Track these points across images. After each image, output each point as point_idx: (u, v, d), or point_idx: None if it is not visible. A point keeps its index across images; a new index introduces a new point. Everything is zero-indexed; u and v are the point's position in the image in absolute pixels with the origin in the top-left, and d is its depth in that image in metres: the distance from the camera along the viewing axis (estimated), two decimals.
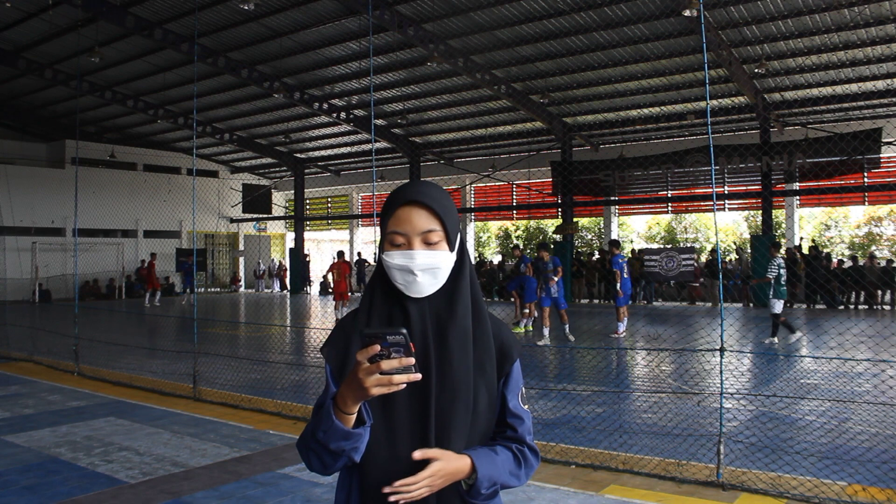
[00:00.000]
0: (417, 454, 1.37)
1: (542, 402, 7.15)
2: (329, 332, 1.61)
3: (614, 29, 15.54)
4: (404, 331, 1.27)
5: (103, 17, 16.17)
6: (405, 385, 1.31)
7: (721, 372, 5.13)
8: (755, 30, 15.29)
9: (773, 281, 11.31)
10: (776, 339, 11.42)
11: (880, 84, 17.32)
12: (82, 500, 4.55)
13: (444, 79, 19.49)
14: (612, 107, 20.69)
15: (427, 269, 1.44)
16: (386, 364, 1.27)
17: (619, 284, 12.72)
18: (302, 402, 7.26)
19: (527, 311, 13.88)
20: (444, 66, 17.90)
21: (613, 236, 25.44)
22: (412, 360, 1.28)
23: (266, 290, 31.21)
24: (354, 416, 1.36)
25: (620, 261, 12.98)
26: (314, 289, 30.50)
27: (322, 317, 18.68)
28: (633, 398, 7.60)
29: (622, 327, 12.63)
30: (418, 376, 1.30)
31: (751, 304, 19.59)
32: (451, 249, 1.49)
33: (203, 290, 29.55)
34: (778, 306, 11.39)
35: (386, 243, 1.48)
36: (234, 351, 11.59)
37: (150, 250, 24.83)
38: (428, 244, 1.46)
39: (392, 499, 1.37)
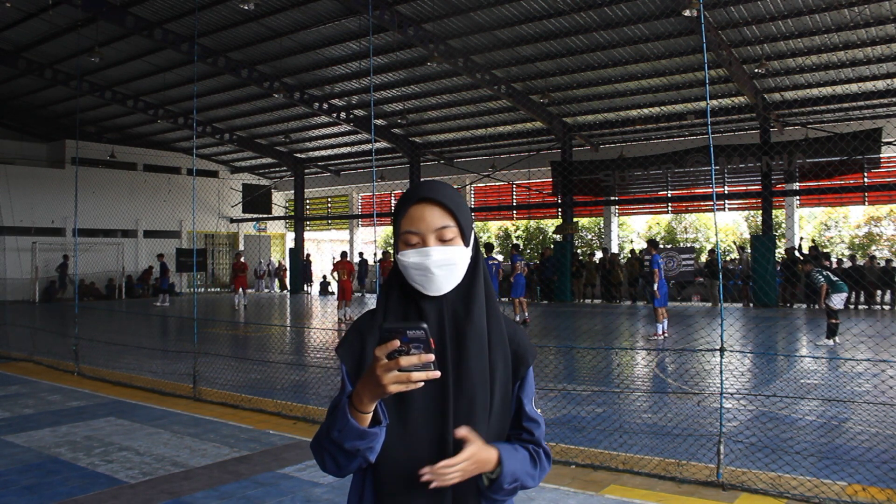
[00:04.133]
0: (462, 431, 1.36)
1: (542, 402, 7.15)
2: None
3: (614, 29, 15.54)
4: (425, 325, 1.24)
5: (103, 17, 16.17)
6: (423, 384, 1.28)
7: (721, 372, 5.13)
8: (755, 30, 15.29)
9: (827, 286, 11.18)
10: (836, 340, 11.21)
11: (880, 84, 17.31)
12: (82, 500, 4.55)
13: (444, 79, 19.49)
14: (612, 107, 20.69)
15: (444, 265, 1.43)
16: (405, 360, 1.24)
17: (656, 285, 12.62)
18: (302, 402, 7.26)
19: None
20: (444, 66, 17.90)
21: (614, 236, 25.45)
22: (432, 357, 1.25)
23: (265, 291, 31.22)
24: (370, 415, 1.34)
25: (660, 261, 12.75)
26: (315, 289, 30.50)
27: (322, 317, 18.68)
28: (633, 398, 7.60)
29: (661, 328, 12.36)
30: (437, 374, 1.27)
31: (751, 304, 19.59)
32: (466, 245, 1.48)
33: (203, 289, 29.55)
34: (837, 301, 11.19)
35: (400, 243, 1.47)
36: (234, 351, 11.59)
37: (151, 250, 24.81)
38: (442, 241, 1.44)
39: (425, 478, 1.35)
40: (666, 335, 12.30)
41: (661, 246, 24.26)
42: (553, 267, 22.27)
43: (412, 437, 1.41)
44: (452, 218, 1.46)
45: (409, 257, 1.44)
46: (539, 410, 1.58)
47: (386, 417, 1.38)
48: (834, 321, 11.22)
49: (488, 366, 1.46)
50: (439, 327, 1.44)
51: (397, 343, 1.24)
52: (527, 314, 15.07)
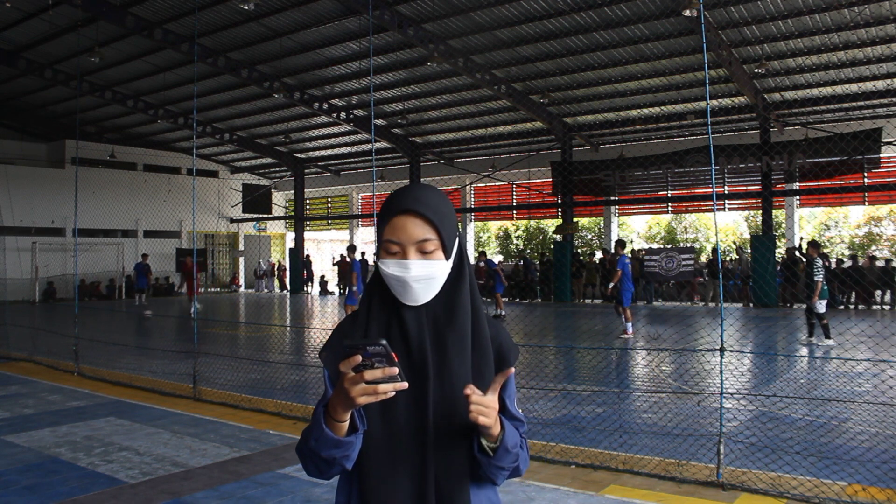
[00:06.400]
0: (468, 390, 1.36)
1: (541, 402, 7.15)
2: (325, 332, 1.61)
3: (614, 29, 15.55)
4: (384, 342, 1.27)
5: (103, 17, 16.17)
6: (395, 393, 1.30)
7: (721, 372, 5.12)
8: (755, 30, 15.29)
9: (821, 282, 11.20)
10: (832, 341, 11.14)
11: (880, 84, 17.32)
12: (82, 500, 4.55)
13: (444, 79, 19.49)
14: (612, 107, 20.69)
15: (422, 279, 1.44)
16: (369, 374, 1.28)
17: (612, 284, 12.84)
18: (302, 402, 7.25)
19: None
20: (444, 66, 17.90)
21: (614, 236, 25.45)
22: (395, 370, 1.28)
23: (265, 291, 31.24)
24: (347, 423, 1.37)
25: (627, 260, 12.96)
26: (315, 288, 30.51)
27: (322, 317, 18.68)
28: (633, 398, 7.60)
29: (631, 328, 12.50)
30: (405, 385, 1.30)
31: (751, 304, 19.59)
32: (448, 257, 1.48)
33: (203, 290, 29.55)
34: (822, 306, 11.22)
35: (382, 251, 1.48)
36: (234, 351, 11.59)
37: (151, 250, 24.74)
38: (423, 253, 1.45)
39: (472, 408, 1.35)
40: (631, 335, 12.43)
41: (661, 246, 24.35)
42: (529, 267, 23.96)
43: (395, 441, 1.43)
44: (434, 230, 1.46)
45: (389, 268, 1.45)
46: (520, 410, 1.58)
47: (363, 424, 1.41)
48: (822, 321, 11.22)
49: (471, 368, 1.46)
50: (419, 333, 1.45)
51: (360, 358, 1.28)
52: (502, 311, 16.78)
